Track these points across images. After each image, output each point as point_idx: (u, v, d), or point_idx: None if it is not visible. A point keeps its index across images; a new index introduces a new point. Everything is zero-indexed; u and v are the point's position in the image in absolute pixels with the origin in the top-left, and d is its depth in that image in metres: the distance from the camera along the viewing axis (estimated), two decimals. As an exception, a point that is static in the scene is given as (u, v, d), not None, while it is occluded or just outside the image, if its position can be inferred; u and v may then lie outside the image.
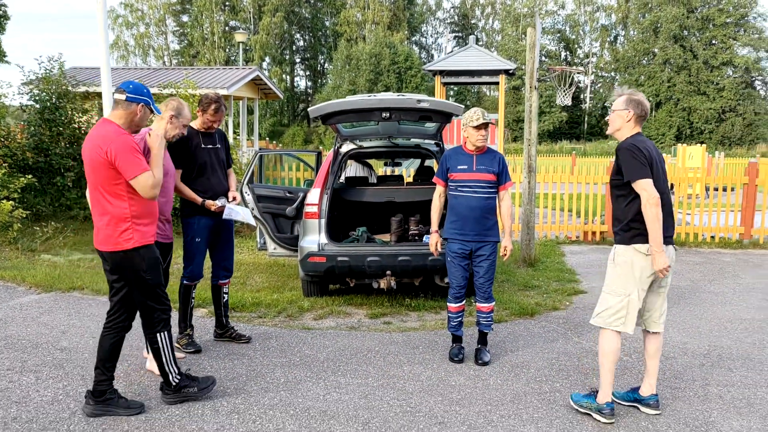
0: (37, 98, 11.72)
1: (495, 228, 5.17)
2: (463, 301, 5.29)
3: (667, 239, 4.04)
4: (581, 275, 8.53)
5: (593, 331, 6.06)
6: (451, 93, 61.79)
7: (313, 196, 6.79)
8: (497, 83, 16.76)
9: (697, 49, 58.23)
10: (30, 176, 10.45)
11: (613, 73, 67.60)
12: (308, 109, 6.52)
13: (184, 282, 5.36)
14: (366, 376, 4.86)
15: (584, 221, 11.46)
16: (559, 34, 69.78)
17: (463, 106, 6.23)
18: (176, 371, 4.29)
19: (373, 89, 54.23)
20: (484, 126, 5.03)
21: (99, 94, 10.33)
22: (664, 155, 22.38)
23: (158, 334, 4.18)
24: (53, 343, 5.58)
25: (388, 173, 11.62)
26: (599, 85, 67.83)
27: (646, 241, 4.00)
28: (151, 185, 3.93)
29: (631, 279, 4.06)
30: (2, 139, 11.35)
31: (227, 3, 65.75)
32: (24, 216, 9.64)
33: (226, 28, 65.12)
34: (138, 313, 4.27)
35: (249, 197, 7.25)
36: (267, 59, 65.68)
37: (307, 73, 73.95)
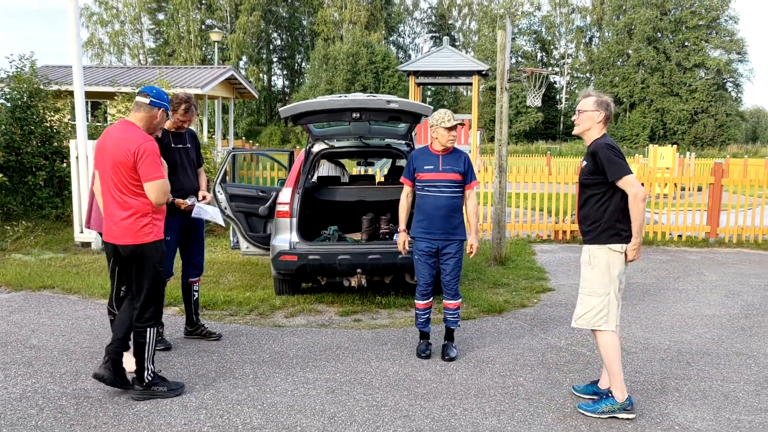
0: (8, 97, 11.62)
1: (461, 226, 5.28)
2: (431, 299, 5.39)
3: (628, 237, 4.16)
4: (550, 273, 8.69)
5: (558, 327, 6.21)
6: (429, 93, 62.09)
7: (285, 195, 6.86)
8: (470, 84, 16.91)
9: (670, 51, 59.11)
10: (1, 175, 10.37)
11: (588, 74, 68.34)
12: (279, 109, 6.58)
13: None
14: (334, 372, 4.94)
15: (555, 220, 11.65)
16: (535, 35, 70.36)
17: (432, 107, 6.34)
18: (152, 369, 4.38)
19: (350, 89, 54.29)
20: (455, 127, 5.15)
21: (71, 93, 10.29)
22: (636, 156, 22.77)
23: (149, 329, 4.32)
24: (22, 341, 5.59)
25: (362, 173, 11.71)
26: (575, 86, 68.52)
27: (621, 240, 4.12)
28: (165, 191, 4.22)
29: (608, 278, 4.17)
30: (-28, 138, 11.24)
31: (204, 1, 65.36)
32: (-6, 215, 9.57)
33: (203, 27, 64.70)
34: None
35: (222, 196, 7.28)
36: (244, 58, 65.38)
37: (285, 72, 73.80)
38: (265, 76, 69.33)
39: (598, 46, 68.38)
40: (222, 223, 5.68)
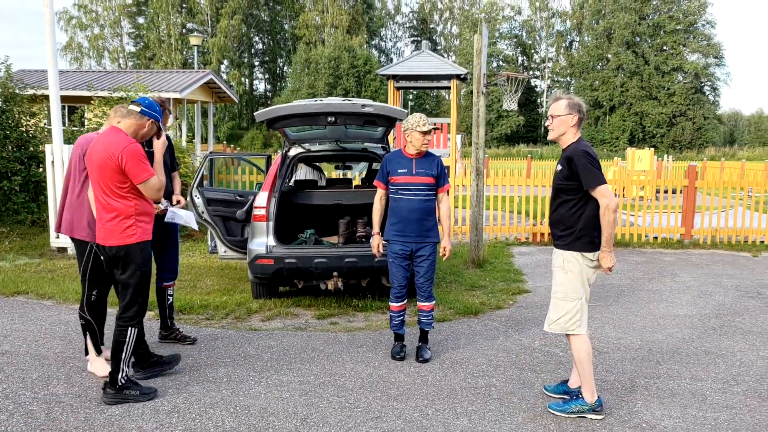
0: (-18, 101, 11.52)
1: (435, 229, 5.32)
2: (405, 301, 5.43)
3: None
4: (527, 275, 8.77)
5: (533, 328, 6.28)
6: (410, 97, 62.22)
7: (261, 199, 6.87)
8: (449, 88, 16.97)
9: (649, 55, 59.82)
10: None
11: (568, 78, 68.96)
12: (255, 114, 6.59)
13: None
14: (308, 375, 4.96)
15: (533, 223, 11.75)
16: (516, 39, 70.87)
17: (407, 111, 6.38)
18: (126, 372, 4.40)
19: (332, 93, 54.36)
20: (430, 131, 5.20)
21: (47, 97, 10.22)
22: (615, 159, 22.98)
23: (130, 328, 4.40)
24: (-5, 347, 5.55)
25: (341, 176, 11.73)
26: (555, 89, 69.04)
27: (593, 249, 4.13)
28: (158, 188, 4.39)
29: (580, 283, 4.19)
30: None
31: (184, 5, 65.07)
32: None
33: (183, 31, 64.43)
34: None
35: (199, 201, 7.28)
36: (225, 62, 65.21)
37: (266, 76, 73.69)
38: (246, 80, 69.19)
39: (578, 50, 69.05)
40: (196, 227, 5.67)
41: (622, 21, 59.75)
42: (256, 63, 72.23)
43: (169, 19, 63.43)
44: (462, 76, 13.99)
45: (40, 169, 11.57)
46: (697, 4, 59.32)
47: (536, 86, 69.44)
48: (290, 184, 8.22)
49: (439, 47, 74.88)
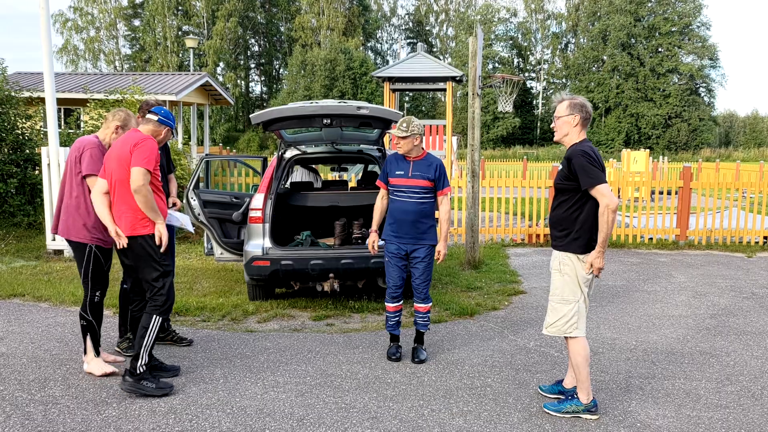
0: (-22, 104, 11.51)
1: (431, 231, 5.33)
2: (401, 302, 5.45)
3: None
4: (523, 276, 8.80)
5: (528, 329, 6.31)
6: (407, 99, 62.32)
7: (257, 201, 6.88)
8: (445, 90, 17.03)
9: (644, 56, 59.98)
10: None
11: (564, 80, 69.08)
12: (250, 116, 6.61)
13: (124, 286, 5.39)
14: (304, 376, 4.98)
15: (529, 224, 11.78)
16: (511, 41, 71.00)
17: (402, 113, 6.41)
18: (147, 361, 4.52)
19: (328, 95, 54.40)
20: (409, 136, 5.22)
21: (43, 100, 10.22)
22: (611, 160, 23.08)
23: (156, 316, 4.56)
24: (-9, 349, 5.55)
25: (337, 178, 11.75)
26: (551, 91, 69.20)
27: (589, 251, 4.13)
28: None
29: (577, 285, 4.20)
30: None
31: (180, 7, 65.06)
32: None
33: (179, 33, 64.40)
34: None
35: (195, 203, 7.30)
36: (221, 64, 65.20)
37: (262, 78, 73.67)
38: (242, 82, 69.19)
39: (573, 51, 69.19)
40: (191, 229, 5.69)
41: (617, 23, 59.89)
42: (252, 65, 72.22)
43: (165, 22, 63.38)
44: (457, 78, 14.09)
45: (36, 172, 11.58)
46: (692, 5, 59.50)
47: (532, 88, 69.57)
48: (286, 186, 8.24)
49: (435, 49, 75.00)
